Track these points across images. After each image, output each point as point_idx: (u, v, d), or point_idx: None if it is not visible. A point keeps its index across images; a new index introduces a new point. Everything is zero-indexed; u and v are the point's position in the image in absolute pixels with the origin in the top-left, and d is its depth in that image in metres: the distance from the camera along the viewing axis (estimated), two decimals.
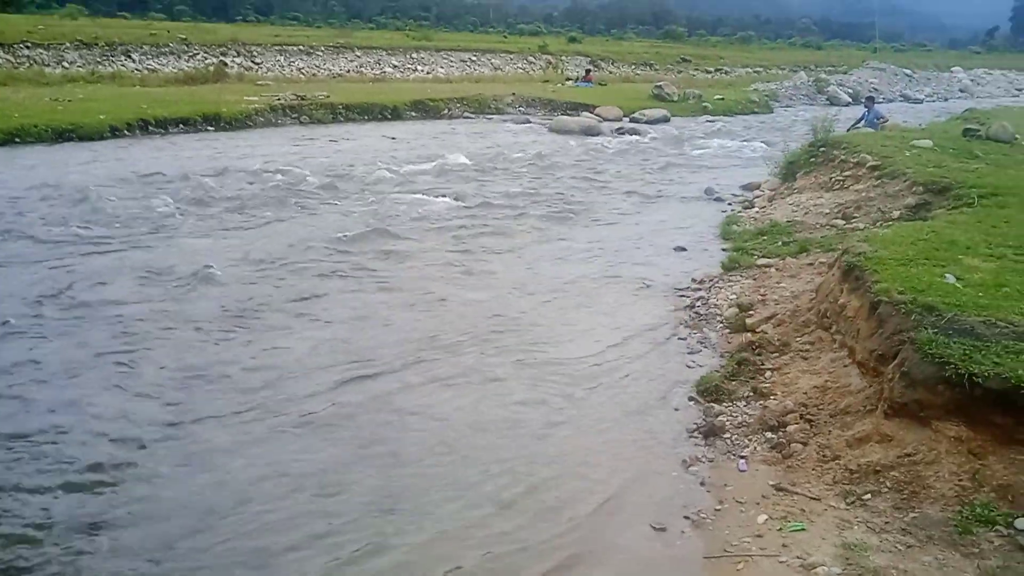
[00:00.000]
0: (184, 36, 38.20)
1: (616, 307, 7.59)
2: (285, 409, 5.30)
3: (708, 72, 52.54)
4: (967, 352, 4.13)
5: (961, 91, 42.09)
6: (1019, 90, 46.30)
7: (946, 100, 37.60)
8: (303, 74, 36.47)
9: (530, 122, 23.56)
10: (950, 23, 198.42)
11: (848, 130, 16.06)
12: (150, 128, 17.95)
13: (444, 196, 12.23)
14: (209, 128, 19.00)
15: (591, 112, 24.44)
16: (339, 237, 9.60)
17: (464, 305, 7.50)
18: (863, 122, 17.48)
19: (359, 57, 41.71)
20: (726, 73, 52.46)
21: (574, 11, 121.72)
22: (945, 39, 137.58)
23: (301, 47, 40.59)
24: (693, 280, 8.36)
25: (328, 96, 23.43)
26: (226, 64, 32.69)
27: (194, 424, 5.06)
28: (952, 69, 51.64)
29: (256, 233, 9.92)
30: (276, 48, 39.39)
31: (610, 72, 47.04)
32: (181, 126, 18.64)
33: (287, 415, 5.22)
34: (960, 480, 3.88)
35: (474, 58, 45.88)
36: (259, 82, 27.86)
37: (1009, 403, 3.86)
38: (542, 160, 16.20)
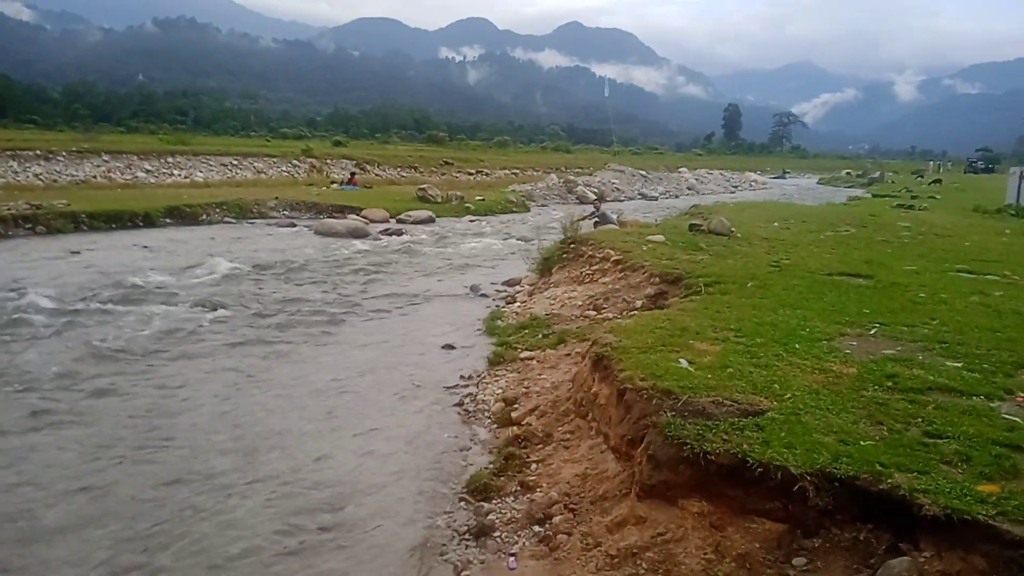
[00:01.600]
0: None
1: (386, 410, 7.48)
2: None
3: (470, 174, 55.15)
4: (700, 432, 4.51)
5: (688, 188, 47.64)
6: (735, 187, 53.29)
7: (677, 197, 42.28)
8: (41, 180, 33.38)
9: (295, 226, 23.21)
10: (675, 129, 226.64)
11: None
12: None
13: (202, 306, 11.53)
14: None
15: (357, 215, 24.57)
16: (72, 362, 8.67)
17: (217, 422, 7.01)
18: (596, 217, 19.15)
19: (107, 162, 39.01)
20: (486, 175, 55.30)
21: (337, 116, 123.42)
22: (672, 143, 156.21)
23: (38, 152, 37.25)
24: (461, 377, 8.49)
25: (69, 204, 21.53)
26: None
27: None
28: (680, 169, 58.61)
29: None
30: (8, 153, 35.85)
31: (376, 175, 47.85)
32: None
33: None
34: (705, 554, 4.15)
35: (235, 162, 44.67)
36: None
37: (739, 476, 4.24)
38: (308, 264, 15.91)
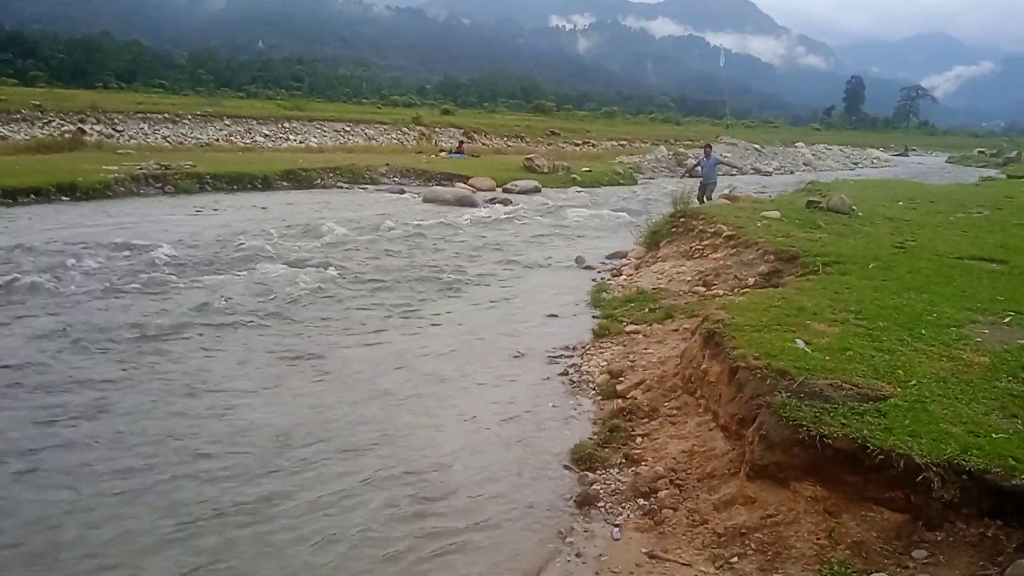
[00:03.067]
0: (38, 103, 36.38)
1: (491, 378, 7.58)
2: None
3: (577, 144, 54.80)
4: (817, 414, 4.38)
5: (805, 164, 45.75)
6: (855, 163, 50.87)
7: (792, 173, 40.70)
8: (169, 143, 35.40)
9: (404, 192, 23.72)
10: (793, 102, 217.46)
11: (684, 174, 17.54)
12: None
13: (318, 267, 11.99)
14: (64, 199, 17.97)
15: (465, 183, 24.86)
16: (192, 312, 9.20)
17: (342, 382, 7.30)
18: (700, 167, 18.78)
19: (228, 126, 40.98)
20: (593, 146, 54.83)
21: (446, 84, 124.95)
22: (789, 116, 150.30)
23: (166, 115, 39.53)
24: (566, 347, 8.51)
25: (195, 165, 22.74)
26: (84, 132, 31.31)
27: None
28: (796, 144, 56.25)
29: (97, 305, 9.35)
30: (139, 116, 38.17)
31: (483, 144, 48.28)
32: (32, 196, 17.52)
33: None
34: (818, 539, 4.05)
35: (348, 128, 46.00)
36: (120, 151, 26.73)
37: (857, 462, 4.10)
38: (417, 230, 16.24)
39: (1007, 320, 6.63)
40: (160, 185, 20.81)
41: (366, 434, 6.16)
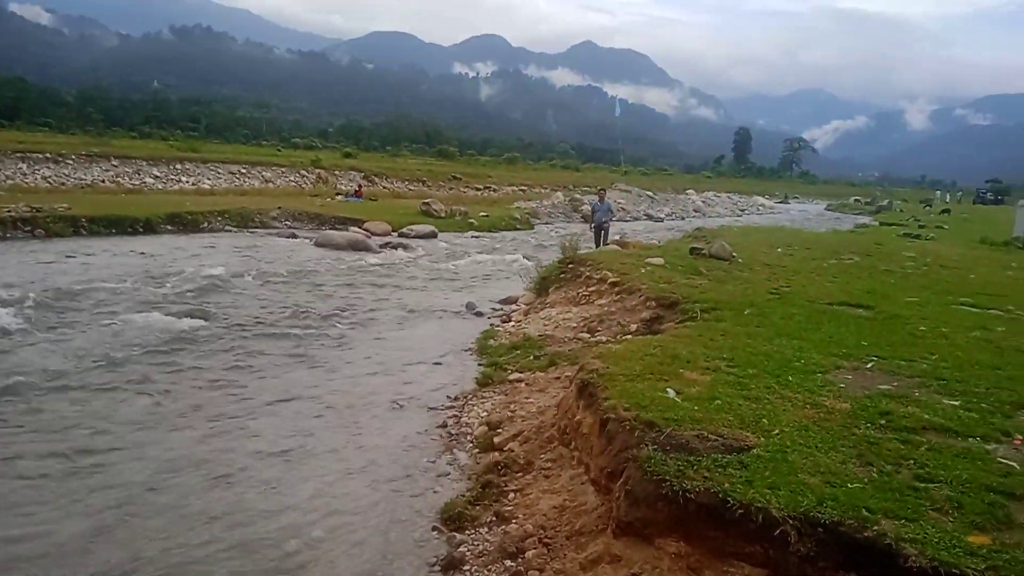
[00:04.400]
0: None
1: (367, 432, 7.28)
2: None
3: (478, 189, 55.28)
4: (681, 468, 4.30)
5: (695, 211, 47.47)
6: (742, 210, 53.12)
7: (683, 219, 42.11)
8: (48, 183, 33.54)
9: (296, 236, 23.13)
10: (686, 151, 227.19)
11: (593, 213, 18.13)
12: None
13: (190, 315, 11.39)
14: None
15: (360, 227, 24.48)
16: (39, 369, 8.52)
17: (202, 437, 6.83)
18: (596, 212, 19.21)
19: (116, 167, 39.18)
20: (494, 191, 55.42)
21: (349, 128, 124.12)
22: (682, 165, 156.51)
23: (48, 154, 37.45)
24: (448, 397, 8.31)
25: (70, 208, 21.52)
26: None
27: None
28: (687, 191, 58.46)
29: None
30: (18, 155, 36.03)
31: (384, 188, 48.00)
32: None
33: None
34: None
35: (244, 170, 44.78)
36: None
37: (719, 517, 4.03)
38: (304, 276, 15.78)
39: (870, 365, 6.84)
40: (29, 229, 19.57)
41: (220, 496, 5.74)
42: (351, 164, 56.31)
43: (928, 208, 58.18)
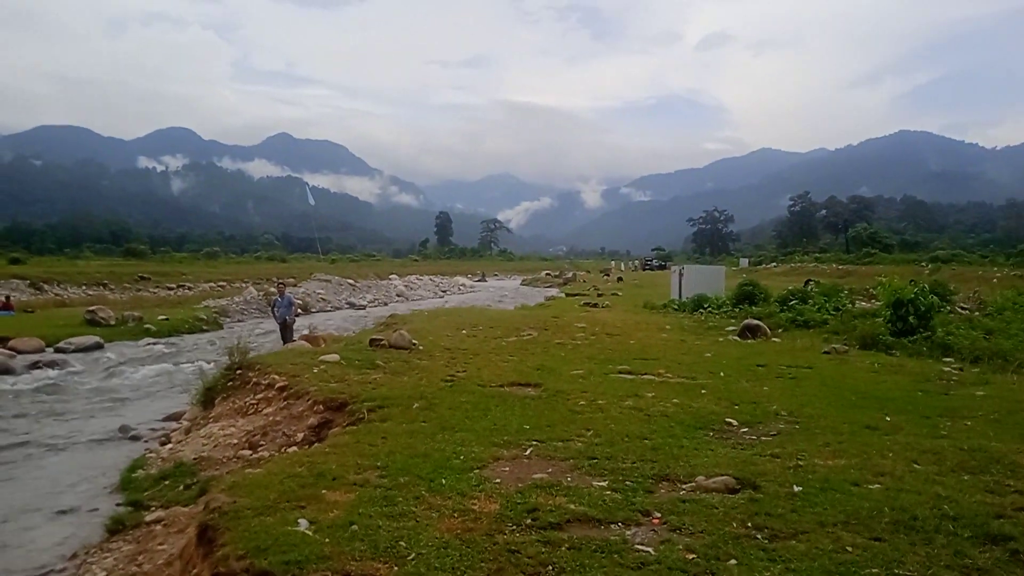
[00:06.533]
0: None
1: None
2: None
3: (170, 288, 51.16)
4: None
5: (398, 295, 47.66)
6: (444, 291, 54.43)
7: (386, 304, 41.95)
8: None
9: None
10: (392, 236, 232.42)
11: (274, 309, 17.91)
12: None
13: None
14: None
15: (2, 346, 20.81)
16: None
17: None
18: (277, 308, 18.28)
19: None
20: (189, 289, 51.68)
21: (15, 231, 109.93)
22: (391, 250, 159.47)
23: None
24: (62, 557, 6.76)
25: None
26: None
27: None
28: (390, 277, 58.85)
29: None
30: None
31: (56, 295, 42.53)
32: None
33: None
34: None
35: None
36: None
37: None
38: None
39: (528, 452, 6.69)
40: None
41: None
42: (15, 271, 49.18)
43: (606, 277, 64.48)
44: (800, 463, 6.22)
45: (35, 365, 18.90)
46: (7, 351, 20.41)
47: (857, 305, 20.21)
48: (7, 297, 31.87)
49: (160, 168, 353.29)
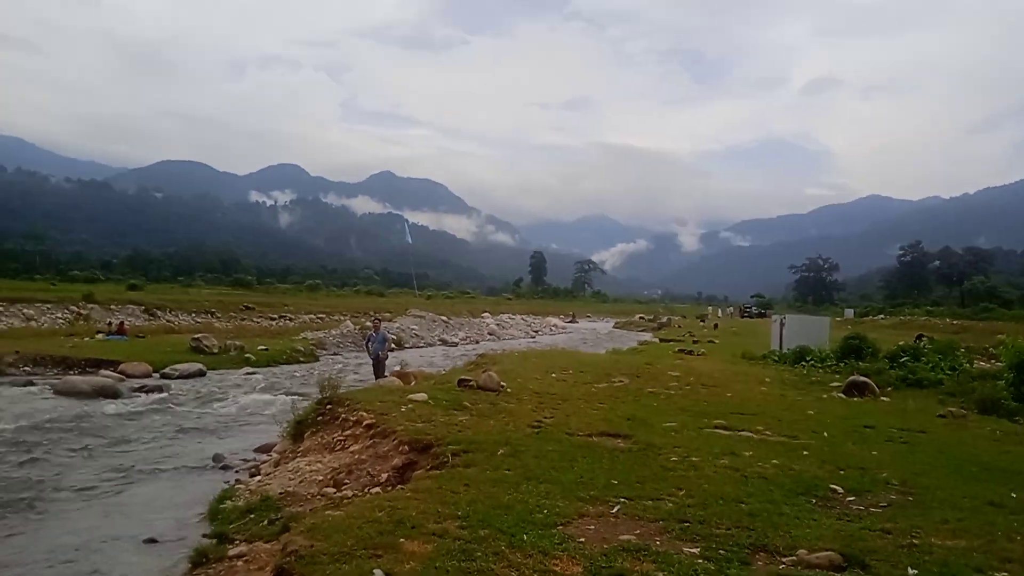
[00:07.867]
0: None
1: None
2: None
3: (272, 319, 52.91)
4: None
5: (490, 334, 47.89)
6: (535, 331, 54.37)
7: (478, 342, 42.20)
8: None
9: (33, 384, 20.17)
10: (487, 273, 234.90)
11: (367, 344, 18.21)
12: None
13: None
14: None
15: (113, 370, 21.91)
16: None
17: None
18: (371, 343, 18.46)
19: None
20: (290, 320, 53.31)
21: (136, 259, 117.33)
22: (485, 287, 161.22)
23: None
24: None
25: None
26: None
27: None
28: (483, 314, 59.24)
29: None
30: None
31: (168, 321, 44.68)
32: None
33: None
34: None
35: (1, 308, 39.61)
36: None
37: None
38: (23, 431, 13.45)
39: (615, 510, 6.35)
40: None
41: None
42: (131, 297, 52.13)
43: (703, 323, 62.93)
44: (915, 541, 5.65)
45: (141, 389, 19.76)
46: (117, 375, 21.47)
47: (976, 365, 18.83)
48: (122, 323, 33.70)
49: (269, 202, 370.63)
